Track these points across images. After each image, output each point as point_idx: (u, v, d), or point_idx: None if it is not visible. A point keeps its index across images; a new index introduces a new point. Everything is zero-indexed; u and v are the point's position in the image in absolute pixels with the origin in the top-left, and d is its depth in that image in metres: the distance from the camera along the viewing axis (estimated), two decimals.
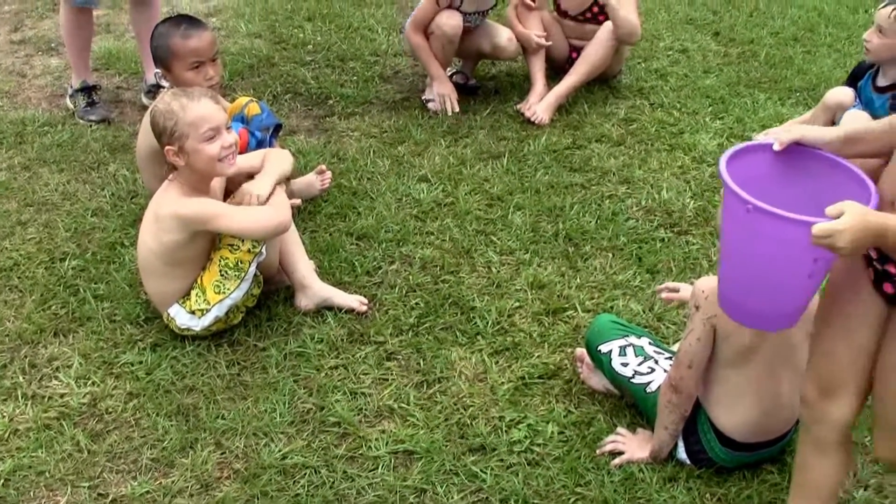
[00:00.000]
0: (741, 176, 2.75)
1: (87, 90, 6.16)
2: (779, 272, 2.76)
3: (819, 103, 5.28)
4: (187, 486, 3.52)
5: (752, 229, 2.71)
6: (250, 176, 4.22)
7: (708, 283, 3.37)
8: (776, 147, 2.89)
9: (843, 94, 5.11)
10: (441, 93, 6.31)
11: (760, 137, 5.08)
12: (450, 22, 6.09)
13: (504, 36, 6.33)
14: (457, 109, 6.31)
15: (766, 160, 2.93)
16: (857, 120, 4.61)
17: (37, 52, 7.17)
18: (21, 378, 4.01)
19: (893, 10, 4.77)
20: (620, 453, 3.62)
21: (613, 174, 5.55)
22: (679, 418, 3.50)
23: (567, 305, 4.43)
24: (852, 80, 5.25)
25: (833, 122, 5.13)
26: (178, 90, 4.11)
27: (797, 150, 2.89)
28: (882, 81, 4.99)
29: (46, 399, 3.91)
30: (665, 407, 3.50)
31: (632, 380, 3.70)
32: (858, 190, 2.68)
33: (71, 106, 6.22)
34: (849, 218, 2.45)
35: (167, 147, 3.96)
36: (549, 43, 6.42)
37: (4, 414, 3.83)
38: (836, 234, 2.44)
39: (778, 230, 2.62)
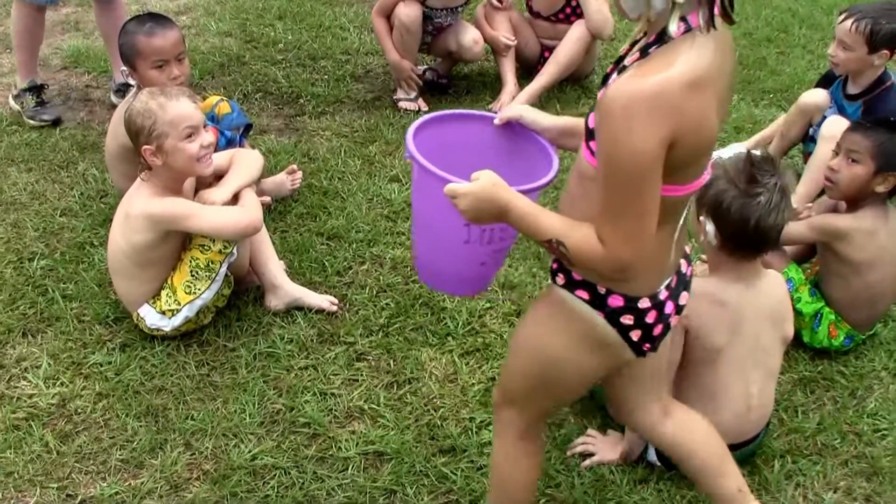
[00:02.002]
0: (460, 142, 2.93)
1: (37, 89, 6.07)
2: (439, 231, 2.85)
3: (793, 106, 5.28)
4: (157, 487, 3.52)
5: (416, 182, 2.86)
6: (218, 176, 4.20)
7: None
8: (496, 121, 2.99)
9: (819, 96, 5.10)
10: (398, 77, 6.38)
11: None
12: (407, 11, 6.12)
13: (469, 37, 6.32)
14: (418, 85, 6.40)
15: (490, 133, 3.02)
16: (836, 125, 4.61)
17: (5, 49, 7.10)
18: None
19: (853, 23, 4.79)
20: (591, 455, 3.63)
21: None
22: None
23: None
24: (825, 82, 5.25)
25: (809, 125, 5.13)
26: (155, 89, 4.08)
27: (519, 129, 2.97)
28: (852, 89, 5.00)
29: (15, 400, 3.89)
30: None
31: None
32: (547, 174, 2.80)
33: (16, 107, 6.10)
34: (476, 184, 2.49)
35: (145, 146, 3.92)
36: (515, 42, 6.41)
37: None
38: (459, 196, 2.50)
39: (428, 183, 2.69)
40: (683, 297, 2.73)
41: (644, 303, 2.57)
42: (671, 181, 2.32)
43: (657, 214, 2.30)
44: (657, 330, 2.65)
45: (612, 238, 2.32)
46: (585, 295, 2.58)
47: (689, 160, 2.32)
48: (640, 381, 3.00)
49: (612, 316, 2.58)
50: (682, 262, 2.71)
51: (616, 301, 2.56)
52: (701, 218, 3.36)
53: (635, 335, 2.62)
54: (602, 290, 2.56)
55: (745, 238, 3.27)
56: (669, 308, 2.64)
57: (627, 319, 2.59)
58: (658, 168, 2.23)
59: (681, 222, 2.53)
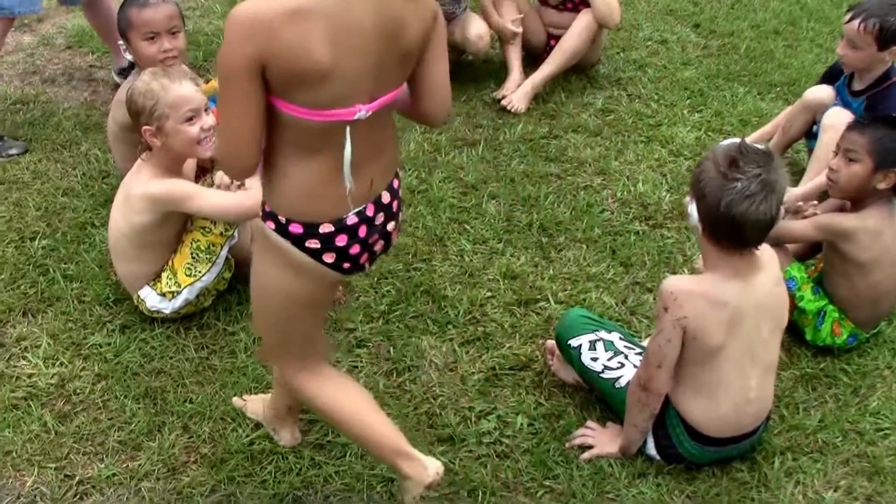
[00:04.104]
0: None
1: None
2: None
3: (797, 102, 5.27)
4: (154, 470, 3.52)
5: None
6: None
7: (676, 283, 3.36)
8: None
9: (824, 92, 5.10)
10: None
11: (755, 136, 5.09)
12: None
13: (474, 31, 6.28)
14: None
15: None
16: (838, 116, 4.61)
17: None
18: None
19: (860, 22, 4.78)
20: (590, 447, 3.63)
21: (589, 165, 5.54)
22: (648, 416, 3.49)
23: (539, 296, 4.43)
24: (829, 78, 5.24)
25: (814, 122, 5.11)
26: (158, 70, 4.07)
27: None
28: (857, 85, 5.00)
29: (14, 379, 3.89)
30: (634, 405, 3.50)
31: (601, 375, 3.69)
32: None
33: None
34: None
35: (145, 127, 3.92)
36: (521, 31, 6.37)
37: None
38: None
39: None
40: (390, 226, 2.96)
41: (326, 228, 2.78)
42: (290, 100, 2.57)
43: (251, 126, 2.59)
44: (354, 249, 2.85)
45: (218, 129, 2.72)
46: (272, 224, 2.81)
47: (293, 82, 2.53)
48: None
49: (297, 242, 2.79)
50: (385, 193, 2.90)
51: (295, 229, 2.77)
52: (687, 198, 3.36)
53: (328, 257, 2.83)
54: (283, 220, 2.78)
55: (718, 222, 3.24)
56: (363, 232, 2.85)
57: (313, 244, 2.79)
58: (244, 81, 2.51)
59: (347, 156, 2.68)
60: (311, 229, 2.77)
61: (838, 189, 4.12)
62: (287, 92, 2.55)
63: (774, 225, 3.29)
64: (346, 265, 2.87)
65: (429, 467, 3.13)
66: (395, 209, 2.95)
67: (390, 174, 2.93)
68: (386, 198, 2.90)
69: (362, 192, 2.80)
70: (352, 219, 2.80)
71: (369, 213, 2.84)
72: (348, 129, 2.64)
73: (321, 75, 2.51)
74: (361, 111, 2.63)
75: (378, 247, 2.95)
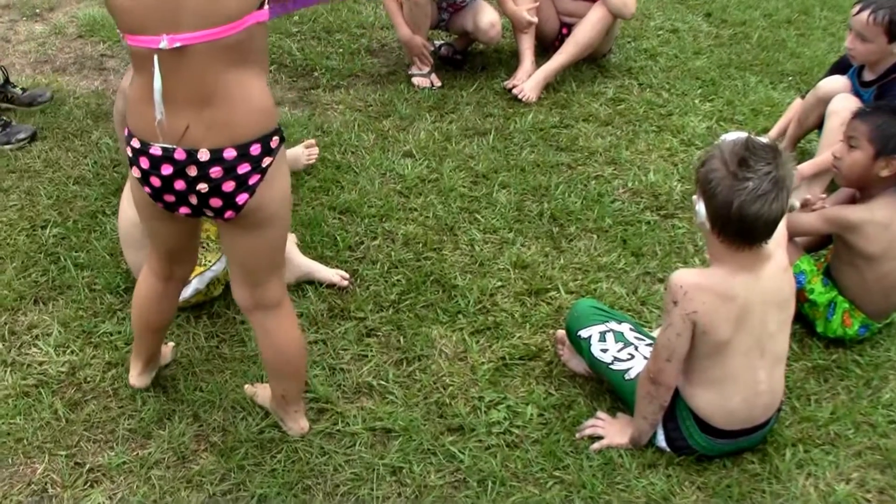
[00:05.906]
0: None
1: None
2: None
3: (810, 94, 5.24)
4: (164, 458, 3.52)
5: None
6: None
7: (686, 277, 3.33)
8: None
9: (838, 83, 5.08)
10: (410, 53, 6.35)
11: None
12: None
13: (486, 20, 6.27)
14: (430, 61, 6.35)
15: None
16: (844, 102, 4.61)
17: (21, 17, 7.10)
18: (0, 345, 3.99)
19: (870, 14, 4.76)
20: (600, 438, 3.62)
21: (600, 154, 5.53)
22: (658, 408, 3.49)
23: (550, 286, 4.42)
24: (838, 70, 5.22)
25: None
26: None
27: None
28: (868, 76, 4.99)
29: (25, 366, 3.89)
30: (644, 398, 3.49)
31: (611, 366, 3.67)
32: None
33: None
34: None
35: None
36: (535, 20, 6.36)
37: None
38: None
39: None
40: (201, 187, 2.96)
41: (135, 142, 2.97)
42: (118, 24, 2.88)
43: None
44: (154, 181, 2.98)
45: None
46: None
47: (111, 11, 2.85)
48: (233, 260, 3.34)
49: (126, 142, 3.02)
50: (205, 152, 2.91)
51: (125, 131, 3.02)
52: (694, 196, 3.34)
53: (135, 172, 3.01)
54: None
55: (729, 223, 3.22)
56: (167, 171, 2.93)
57: (129, 151, 3.01)
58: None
59: (156, 84, 2.81)
60: (129, 137, 2.98)
61: (842, 177, 4.11)
62: (114, 18, 2.87)
63: (782, 218, 3.28)
64: (147, 189, 3.03)
65: (137, 381, 3.77)
66: (213, 176, 2.93)
67: (222, 138, 2.91)
68: (204, 156, 2.90)
69: (173, 133, 2.89)
70: (155, 149, 2.92)
71: (178, 157, 2.90)
72: (156, 57, 2.79)
73: (121, 5, 2.79)
74: (164, 41, 2.76)
75: (193, 200, 3.00)
